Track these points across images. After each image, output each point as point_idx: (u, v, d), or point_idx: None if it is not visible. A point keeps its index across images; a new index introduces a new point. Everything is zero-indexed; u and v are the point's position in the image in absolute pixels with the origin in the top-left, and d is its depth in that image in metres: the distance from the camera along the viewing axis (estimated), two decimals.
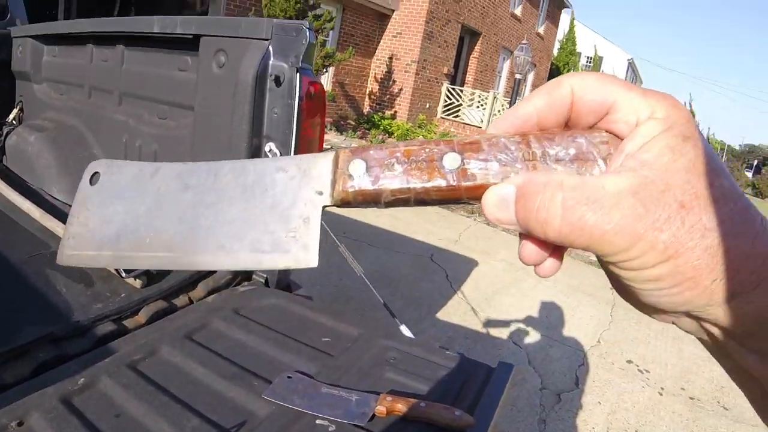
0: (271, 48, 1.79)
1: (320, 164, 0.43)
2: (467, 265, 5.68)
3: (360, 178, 0.41)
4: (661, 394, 3.84)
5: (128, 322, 1.66)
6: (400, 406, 1.29)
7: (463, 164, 0.38)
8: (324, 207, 0.43)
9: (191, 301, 1.85)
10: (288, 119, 1.85)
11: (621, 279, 0.34)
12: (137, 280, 1.79)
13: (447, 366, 1.53)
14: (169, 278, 1.86)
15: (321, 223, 0.43)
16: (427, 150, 0.40)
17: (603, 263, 0.35)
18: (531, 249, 0.37)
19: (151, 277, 1.83)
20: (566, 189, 0.33)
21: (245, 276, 2.04)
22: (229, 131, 1.90)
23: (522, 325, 4.49)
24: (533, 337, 4.35)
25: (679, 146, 0.32)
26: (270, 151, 1.89)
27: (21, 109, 3.09)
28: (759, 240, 0.31)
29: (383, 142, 12.33)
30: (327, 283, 4.40)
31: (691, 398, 3.87)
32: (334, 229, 5.56)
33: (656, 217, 0.31)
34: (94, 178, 0.50)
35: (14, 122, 3.05)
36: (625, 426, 3.41)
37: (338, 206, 0.43)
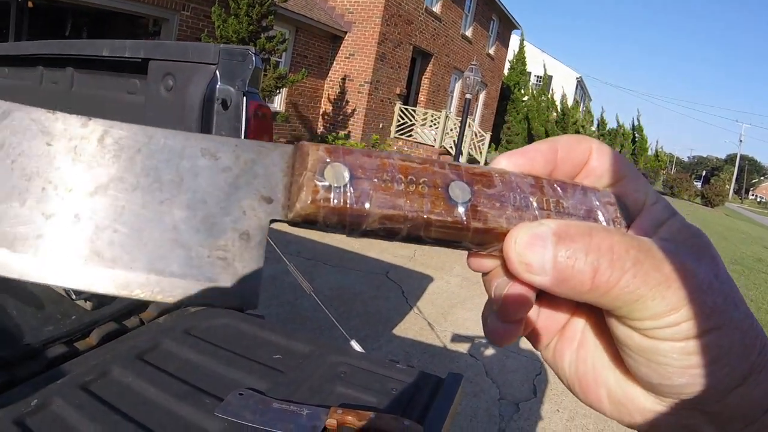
0: (218, 72, 1.82)
1: (271, 159, 0.31)
2: (423, 281, 5.74)
3: (339, 191, 0.30)
4: None
5: (79, 344, 1.66)
6: (351, 419, 1.32)
7: (473, 199, 0.32)
8: (272, 221, 0.31)
9: (142, 323, 1.85)
10: None
11: (652, 354, 0.30)
12: (87, 302, 1.78)
13: (397, 378, 1.57)
14: (120, 300, 1.86)
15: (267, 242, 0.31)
16: (430, 171, 0.32)
17: (631, 334, 0.31)
18: (522, 296, 0.32)
19: (101, 299, 1.83)
20: (614, 234, 0.31)
21: None
22: None
23: (479, 338, 4.52)
24: (490, 349, 4.39)
25: (694, 229, 0.33)
26: None
27: None
28: (755, 320, 0.31)
29: None
30: (282, 303, 4.39)
31: None
32: (285, 249, 5.53)
33: (701, 280, 0.29)
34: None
35: None
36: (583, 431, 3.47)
37: (294, 224, 0.31)
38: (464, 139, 11.76)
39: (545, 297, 0.34)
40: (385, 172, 0.31)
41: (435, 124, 16.13)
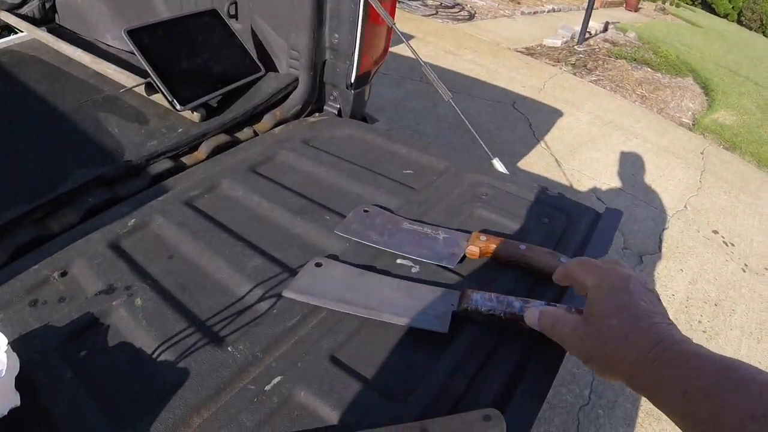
0: None
1: (454, 294, 0.95)
2: (551, 115, 5.28)
3: (474, 302, 0.91)
4: (744, 271, 3.53)
5: (187, 159, 1.50)
6: (496, 248, 1.09)
7: (523, 308, 0.88)
8: (453, 312, 0.92)
9: (256, 134, 1.66)
10: None
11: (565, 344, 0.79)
12: (195, 113, 1.59)
13: (547, 207, 1.31)
14: (231, 109, 1.66)
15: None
16: (508, 300, 0.90)
17: (564, 340, 0.79)
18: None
19: (210, 110, 1.64)
20: (558, 313, 0.82)
21: (316, 107, 1.83)
22: None
23: (606, 181, 4.20)
24: (617, 194, 4.08)
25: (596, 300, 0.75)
26: None
27: None
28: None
29: None
30: (403, 128, 4.18)
31: None
32: (410, 72, 5.19)
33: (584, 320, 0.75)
34: (318, 264, 1.04)
35: None
36: (705, 298, 3.18)
37: (460, 314, 0.92)
38: None
39: None
40: (491, 297, 0.92)
41: None
